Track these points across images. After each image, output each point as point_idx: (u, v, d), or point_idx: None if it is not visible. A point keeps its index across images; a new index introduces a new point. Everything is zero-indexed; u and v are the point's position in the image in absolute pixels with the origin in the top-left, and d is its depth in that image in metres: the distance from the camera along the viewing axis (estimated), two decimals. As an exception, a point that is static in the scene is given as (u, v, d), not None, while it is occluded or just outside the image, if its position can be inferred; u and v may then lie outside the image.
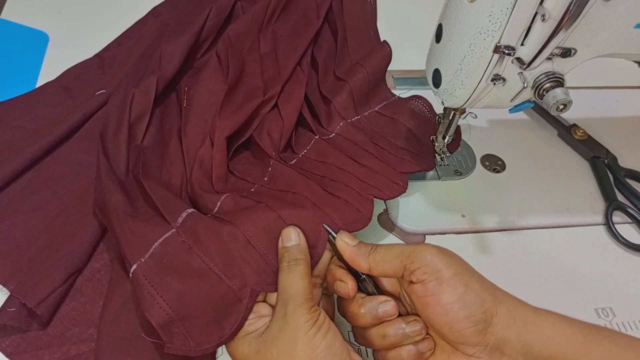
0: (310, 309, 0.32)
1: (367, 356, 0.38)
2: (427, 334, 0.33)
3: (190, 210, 0.39)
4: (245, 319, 0.34)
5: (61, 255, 0.40)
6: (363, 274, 0.35)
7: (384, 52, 0.55)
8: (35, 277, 0.39)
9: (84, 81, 0.56)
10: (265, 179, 0.45)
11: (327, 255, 0.38)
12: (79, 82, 0.56)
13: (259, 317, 0.34)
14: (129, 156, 0.45)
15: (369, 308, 0.33)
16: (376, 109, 0.53)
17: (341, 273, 0.35)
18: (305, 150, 0.48)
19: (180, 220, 0.37)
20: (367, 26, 0.62)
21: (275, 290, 0.34)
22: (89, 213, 0.43)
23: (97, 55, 0.59)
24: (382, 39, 0.58)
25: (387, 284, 0.35)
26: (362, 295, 0.35)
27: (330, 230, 0.37)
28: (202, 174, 0.44)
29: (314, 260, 0.36)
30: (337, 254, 0.36)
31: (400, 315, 0.34)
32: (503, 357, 0.30)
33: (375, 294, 0.35)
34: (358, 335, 0.35)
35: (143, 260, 0.35)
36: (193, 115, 0.47)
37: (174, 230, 0.37)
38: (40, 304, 0.37)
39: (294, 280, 0.33)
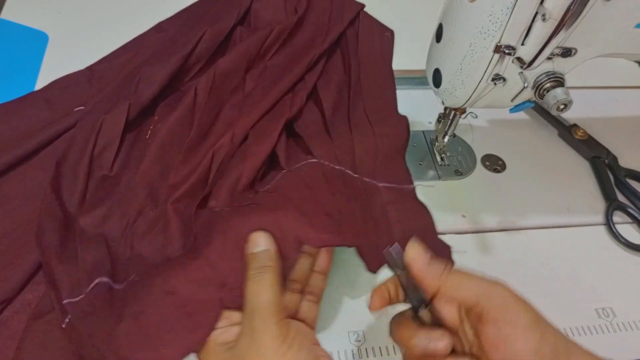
0: (279, 322, 0.29)
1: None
2: None
3: (99, 280, 0.37)
4: None
5: None
6: (420, 300, 0.31)
7: (401, 126, 0.48)
8: None
9: (69, 94, 0.53)
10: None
11: (306, 260, 0.36)
12: (64, 94, 0.53)
13: (230, 326, 0.32)
14: (86, 188, 0.43)
15: (420, 340, 0.30)
16: (380, 184, 0.45)
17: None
18: (268, 186, 0.42)
19: (89, 287, 0.36)
20: (383, 64, 0.55)
21: None
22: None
23: (88, 68, 0.56)
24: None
25: (447, 315, 0.31)
26: (414, 324, 0.31)
27: (393, 253, 0.32)
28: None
29: (286, 268, 0.34)
30: (396, 269, 0.32)
31: (454, 351, 0.31)
32: None
33: (429, 325, 0.31)
34: (407, 358, 0.32)
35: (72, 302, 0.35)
36: (150, 155, 0.45)
37: (82, 296, 0.36)
38: None
39: (261, 290, 0.31)
